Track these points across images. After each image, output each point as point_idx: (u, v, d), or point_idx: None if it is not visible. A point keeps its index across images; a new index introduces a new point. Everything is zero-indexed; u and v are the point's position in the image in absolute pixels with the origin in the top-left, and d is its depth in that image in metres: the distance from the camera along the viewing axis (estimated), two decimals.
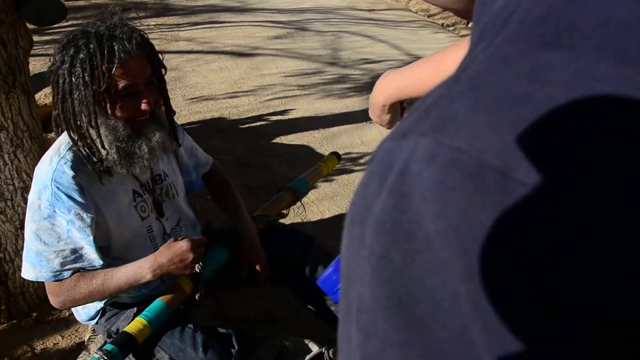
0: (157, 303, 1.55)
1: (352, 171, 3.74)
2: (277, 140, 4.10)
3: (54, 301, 1.52)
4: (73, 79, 1.35)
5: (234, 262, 1.82)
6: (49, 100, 3.18)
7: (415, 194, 0.29)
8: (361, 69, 6.07)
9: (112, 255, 1.59)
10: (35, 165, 1.91)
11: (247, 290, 2.22)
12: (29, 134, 1.87)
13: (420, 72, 0.94)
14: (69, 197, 1.41)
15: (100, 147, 1.42)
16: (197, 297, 1.64)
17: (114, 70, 1.34)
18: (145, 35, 1.46)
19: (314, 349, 1.75)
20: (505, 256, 0.26)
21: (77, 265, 1.48)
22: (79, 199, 1.42)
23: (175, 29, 6.92)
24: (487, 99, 0.30)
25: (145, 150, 1.45)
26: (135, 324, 1.49)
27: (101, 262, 1.49)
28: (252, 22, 7.71)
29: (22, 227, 1.91)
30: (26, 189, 1.89)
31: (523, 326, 0.26)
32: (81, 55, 1.34)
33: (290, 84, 5.33)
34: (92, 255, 1.48)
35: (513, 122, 0.28)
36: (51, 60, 1.41)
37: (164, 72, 1.53)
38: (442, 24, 9.85)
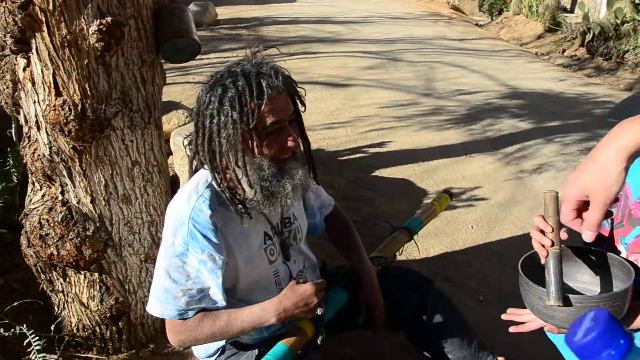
0: (280, 347, 1.51)
1: (456, 207, 3.61)
2: (377, 173, 4.04)
3: (173, 339, 1.50)
4: (222, 118, 1.33)
5: (351, 305, 1.76)
6: None
7: None
8: (456, 100, 5.94)
9: (236, 296, 1.57)
10: (163, 200, 1.95)
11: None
12: (158, 168, 1.91)
13: None
14: (205, 237, 1.38)
15: (247, 186, 1.40)
16: (319, 341, 1.59)
17: (263, 106, 1.32)
18: (287, 72, 1.46)
19: None
20: None
21: (202, 305, 1.46)
22: (214, 240, 1.39)
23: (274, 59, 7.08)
24: None
25: (289, 189, 1.42)
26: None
27: (225, 303, 1.47)
28: (344, 52, 7.78)
29: (146, 260, 1.94)
30: (152, 222, 1.92)
31: None
32: (230, 94, 1.32)
33: (386, 115, 5.28)
34: (218, 296, 1.46)
35: None
36: (196, 101, 1.43)
37: (303, 110, 1.51)
38: (536, 53, 9.54)
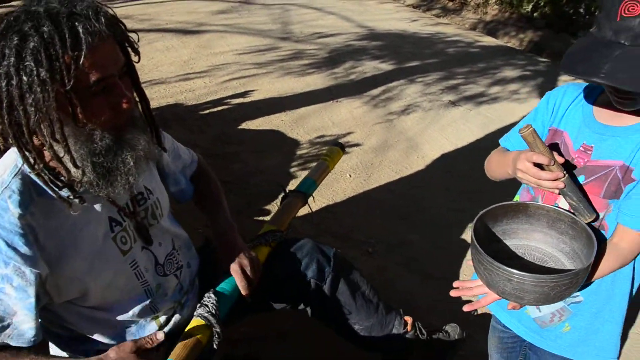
0: None
1: None
2: (243, 126, 3.74)
3: None
4: (24, 78, 0.95)
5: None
6: None
7: None
8: (316, 44, 5.74)
9: (89, 304, 1.21)
10: None
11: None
12: None
13: None
14: (9, 245, 1.02)
15: (71, 166, 1.04)
16: (215, 344, 1.31)
17: (82, 59, 0.97)
18: (112, 11, 1.06)
19: None
20: None
21: (0, 339, 1.08)
22: (24, 249, 1.03)
23: (108, 4, 6.31)
24: None
25: (131, 163, 1.10)
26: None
27: (33, 334, 1.10)
28: None
29: None
30: None
31: None
32: (32, 44, 0.95)
33: (245, 62, 4.94)
34: (26, 324, 1.09)
35: None
36: None
37: (137, 60, 1.13)
38: None
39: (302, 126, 3.82)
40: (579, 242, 1.13)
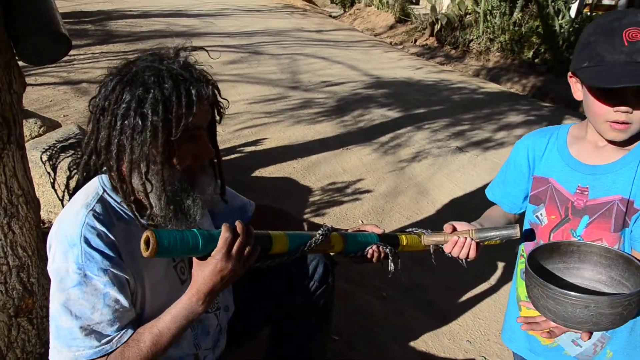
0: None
1: (342, 202, 3.53)
2: (257, 173, 3.85)
3: None
4: (138, 121, 1.13)
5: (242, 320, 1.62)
6: None
7: None
8: (324, 92, 5.91)
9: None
10: (33, 236, 1.60)
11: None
12: (25, 198, 1.52)
13: None
14: (103, 255, 1.14)
15: (156, 200, 1.19)
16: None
17: (190, 117, 1.15)
18: (214, 80, 1.26)
19: None
20: None
21: (120, 334, 1.18)
22: (115, 258, 1.16)
23: (122, 56, 6.54)
24: None
25: (199, 205, 1.23)
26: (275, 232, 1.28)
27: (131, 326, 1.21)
28: (204, 47, 7.44)
29: (17, 314, 1.57)
30: (22, 267, 1.54)
31: None
32: (153, 95, 1.13)
33: (256, 111, 5.09)
34: (133, 318, 1.21)
35: None
36: (102, 92, 1.18)
37: (218, 121, 1.32)
38: (390, 43, 9.88)
39: (314, 173, 3.93)
40: (616, 269, 1.19)
